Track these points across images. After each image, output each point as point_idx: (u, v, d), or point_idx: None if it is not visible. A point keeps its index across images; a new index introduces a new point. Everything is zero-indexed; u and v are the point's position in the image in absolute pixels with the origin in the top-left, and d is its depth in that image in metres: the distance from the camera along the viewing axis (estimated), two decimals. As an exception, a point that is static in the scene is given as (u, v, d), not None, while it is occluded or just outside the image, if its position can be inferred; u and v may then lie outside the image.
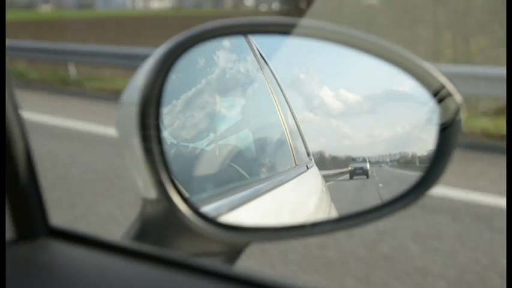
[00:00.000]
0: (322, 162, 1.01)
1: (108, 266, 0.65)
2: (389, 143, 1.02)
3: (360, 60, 0.93)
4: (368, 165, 0.98)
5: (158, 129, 0.74)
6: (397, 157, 1.01)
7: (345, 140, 0.98)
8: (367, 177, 0.98)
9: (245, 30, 0.90)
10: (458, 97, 0.87)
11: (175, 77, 0.79)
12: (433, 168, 0.90)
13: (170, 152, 0.77)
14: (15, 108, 0.71)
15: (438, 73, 0.88)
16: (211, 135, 0.89)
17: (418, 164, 0.95)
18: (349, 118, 0.98)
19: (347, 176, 0.99)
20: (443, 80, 0.88)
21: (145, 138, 0.72)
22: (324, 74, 1.00)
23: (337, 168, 1.01)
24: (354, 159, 0.99)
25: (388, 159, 1.00)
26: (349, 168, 0.98)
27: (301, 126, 1.05)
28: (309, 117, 0.99)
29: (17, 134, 0.70)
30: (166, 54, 0.76)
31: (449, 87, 0.87)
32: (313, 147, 1.05)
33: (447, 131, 0.89)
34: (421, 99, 0.93)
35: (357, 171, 0.98)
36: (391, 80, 0.96)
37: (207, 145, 0.89)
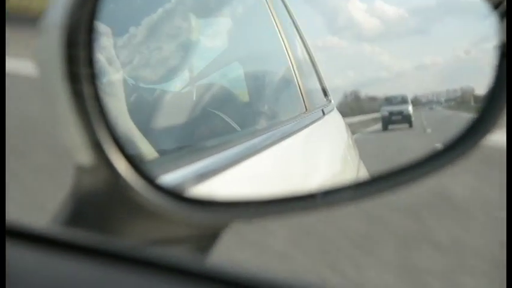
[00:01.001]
0: (350, 105, 0.99)
1: (31, 264, 0.62)
2: (446, 75, 1.00)
3: None
4: (410, 108, 0.96)
5: (92, 65, 0.68)
6: (458, 93, 0.99)
7: (383, 72, 0.96)
8: (410, 125, 0.97)
9: None
10: None
11: None
12: (489, 107, 0.85)
13: (129, 98, 0.76)
14: None
15: None
16: (187, 73, 0.88)
17: (472, 102, 0.92)
18: (389, 41, 0.97)
19: (379, 125, 0.98)
20: None
21: (74, 78, 0.68)
22: None
23: (371, 113, 1.00)
24: (388, 100, 0.97)
25: (443, 98, 0.99)
26: (383, 113, 0.96)
27: (321, 55, 1.03)
28: (331, 41, 0.96)
29: None
30: None
31: None
32: (336, 84, 1.02)
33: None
34: (482, 11, 0.89)
35: (394, 118, 0.96)
36: None
37: (182, 87, 0.87)
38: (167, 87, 0.86)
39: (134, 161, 0.70)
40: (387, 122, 0.96)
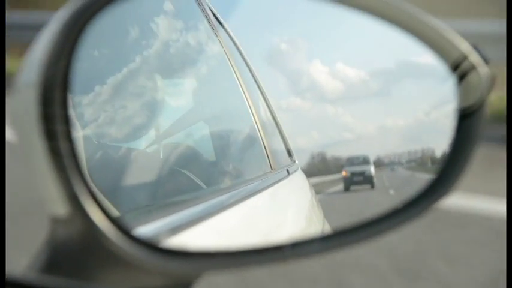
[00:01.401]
0: (317, 166, 1.01)
1: None
2: (407, 136, 1.03)
3: (362, 24, 0.92)
4: (372, 169, 0.99)
5: (67, 122, 0.73)
6: (419, 155, 1.02)
7: (346, 133, 0.99)
8: (372, 186, 0.99)
9: None
10: (485, 73, 0.88)
11: (97, 54, 0.81)
12: (447, 169, 0.91)
13: (93, 156, 0.79)
14: None
15: (460, 40, 0.89)
16: (153, 132, 0.90)
17: (430, 164, 0.96)
18: (351, 103, 1.01)
19: (342, 186, 1.00)
20: (467, 49, 0.89)
21: (49, 135, 0.72)
22: (314, 43, 1.02)
23: (333, 173, 1.02)
24: (350, 160, 1.00)
25: (404, 160, 1.01)
26: (344, 174, 0.99)
27: (285, 116, 1.06)
28: (295, 103, 0.99)
29: None
30: (76, 12, 0.76)
31: (475, 58, 0.88)
32: (301, 145, 1.05)
33: (468, 121, 0.90)
34: (442, 74, 0.94)
35: (356, 179, 0.98)
36: (407, 49, 0.96)
37: (147, 146, 0.91)
38: (133, 145, 0.89)
39: (109, 213, 0.74)
40: (349, 183, 0.98)
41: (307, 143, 1.01)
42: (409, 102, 1.04)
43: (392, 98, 1.03)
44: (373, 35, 0.97)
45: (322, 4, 0.89)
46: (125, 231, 0.75)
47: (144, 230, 0.79)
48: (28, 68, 0.77)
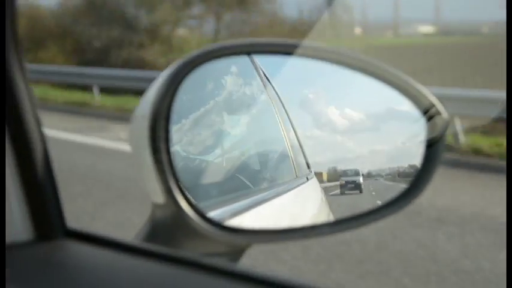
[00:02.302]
0: (328, 174, 1.02)
1: (120, 264, 0.67)
2: (390, 158, 1.05)
3: (363, 82, 0.96)
4: (361, 179, 0.97)
5: (167, 141, 0.77)
6: (394, 170, 1.02)
7: (349, 154, 1.01)
8: (360, 191, 0.97)
9: (246, 50, 0.94)
10: (445, 115, 0.91)
11: (185, 98, 0.83)
12: (417, 182, 0.93)
13: (179, 164, 0.80)
14: (35, 113, 0.72)
15: (429, 93, 0.92)
16: (218, 150, 0.92)
17: (403, 177, 0.96)
18: (353, 134, 1.01)
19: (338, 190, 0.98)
20: (433, 99, 0.91)
21: (155, 150, 0.76)
22: (330, 94, 1.04)
23: (336, 181, 1.01)
24: (345, 172, 0.98)
25: (383, 173, 1.02)
26: (340, 182, 0.97)
27: (310, 142, 1.07)
28: (316, 133, 1.02)
29: (36, 139, 0.72)
30: (175, 71, 0.80)
31: (438, 106, 0.91)
32: (319, 161, 1.07)
33: (433, 148, 0.92)
34: (416, 117, 0.95)
35: (349, 186, 0.97)
36: (392, 100, 0.99)
37: (215, 158, 0.92)
38: (206, 158, 0.90)
39: (191, 202, 0.77)
40: (344, 189, 0.97)
41: (323, 159, 1.03)
42: (392, 135, 1.06)
43: (381, 132, 1.05)
44: (371, 89, 0.98)
45: (338, 68, 0.92)
46: (202, 215, 0.78)
47: (214, 214, 0.81)
48: (142, 106, 0.81)
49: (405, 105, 0.96)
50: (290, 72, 1.01)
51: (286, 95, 1.12)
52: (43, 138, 0.73)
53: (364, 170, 1.02)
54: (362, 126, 1.02)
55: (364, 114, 1.03)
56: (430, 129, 0.93)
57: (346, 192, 0.97)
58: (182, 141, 0.84)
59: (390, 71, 0.94)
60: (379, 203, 0.94)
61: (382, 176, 1.01)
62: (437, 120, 0.91)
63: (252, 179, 0.98)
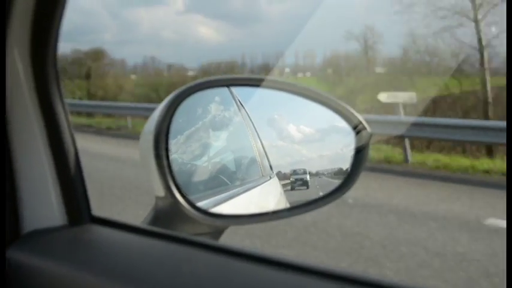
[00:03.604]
0: (283, 174, 1.02)
1: (131, 243, 0.68)
2: (331, 161, 1.05)
3: (312, 106, 0.97)
4: (308, 177, 0.96)
5: (167, 151, 0.78)
6: (334, 170, 1.03)
7: (303, 158, 1.02)
8: (307, 187, 0.95)
9: (227, 83, 0.96)
10: (368, 131, 0.93)
11: (180, 120, 0.83)
12: (348, 179, 0.95)
13: (176, 167, 0.81)
14: (65, 110, 0.72)
15: (357, 114, 0.94)
16: (205, 157, 0.93)
17: (339, 175, 0.98)
18: (306, 144, 1.02)
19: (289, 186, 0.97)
20: (360, 118, 0.94)
21: (158, 156, 0.77)
22: (290, 115, 1.04)
23: (289, 178, 1.01)
24: (295, 171, 0.96)
25: (326, 172, 1.02)
26: (290, 179, 0.95)
27: (273, 150, 1.07)
28: (279, 143, 1.03)
29: (67, 135, 0.72)
30: (173, 99, 0.82)
31: (364, 123, 0.94)
32: (281, 164, 1.06)
33: (359, 154, 0.94)
34: (349, 131, 0.98)
35: (298, 183, 0.95)
36: (332, 118, 1.00)
37: (202, 164, 0.93)
38: (196, 163, 0.90)
39: (185, 195, 0.78)
40: (294, 185, 0.94)
41: (283, 163, 1.03)
42: (333, 144, 1.07)
43: (325, 142, 1.06)
44: (318, 111, 0.99)
45: (295, 96, 0.95)
46: (192, 204, 0.78)
47: (201, 204, 0.81)
48: (149, 124, 0.81)
49: (342, 123, 0.98)
50: (260, 99, 1.02)
51: (257, 116, 1.12)
52: (72, 134, 0.73)
53: (313, 170, 1.02)
54: (312, 138, 1.03)
55: (314, 129, 1.04)
56: (358, 140, 0.95)
57: (296, 188, 0.95)
58: (178, 151, 0.85)
59: (330, 98, 0.95)
60: (321, 194, 0.95)
61: (325, 175, 1.01)
62: (363, 133, 0.94)
63: (229, 178, 0.98)
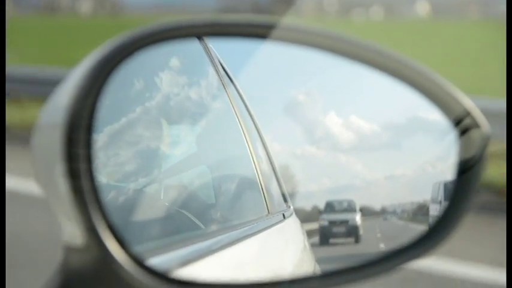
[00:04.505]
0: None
1: None
2: (413, 187, 1.20)
3: (373, 80, 1.10)
4: (358, 218, 1.07)
5: (90, 161, 0.90)
6: (416, 206, 1.18)
7: (356, 180, 1.15)
8: (357, 240, 1.07)
9: (200, 31, 1.08)
10: (486, 129, 1.06)
11: (111, 103, 0.95)
12: (443, 223, 1.07)
13: (107, 193, 0.95)
14: None
15: (463, 97, 1.07)
16: (150, 176, 1.08)
17: (423, 216, 1.12)
18: (363, 153, 1.16)
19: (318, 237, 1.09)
20: (469, 105, 1.06)
21: (72, 172, 0.89)
22: (329, 96, 1.19)
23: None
24: (330, 205, 1.07)
25: (399, 209, 1.16)
26: (320, 223, 1.07)
27: (299, 163, 1.18)
28: (310, 151, 1.13)
29: None
30: (99, 61, 0.94)
31: (476, 115, 1.06)
32: (311, 190, 1.19)
33: (466, 175, 1.07)
34: (447, 130, 1.13)
35: (336, 230, 1.05)
36: (418, 104, 1.13)
37: (147, 185, 1.08)
38: (135, 185, 1.05)
39: (124, 244, 0.90)
40: (327, 235, 1.04)
41: (318, 188, 1.14)
42: (417, 154, 1.22)
43: (402, 149, 1.19)
44: (386, 91, 1.13)
45: (339, 60, 1.06)
46: (138, 262, 0.91)
47: (156, 261, 0.94)
48: (51, 111, 0.94)
49: (434, 114, 1.11)
50: (269, 63, 1.15)
51: (260, 97, 1.26)
52: None
53: (371, 204, 1.15)
54: (376, 142, 1.16)
55: (378, 125, 1.18)
56: (466, 147, 1.09)
57: (331, 239, 1.06)
58: (109, 162, 1.00)
59: (410, 65, 1.09)
60: (384, 249, 1.09)
61: (396, 214, 1.13)
62: (475, 135, 1.07)
63: (203, 217, 1.12)
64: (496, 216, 6.99)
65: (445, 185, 1.13)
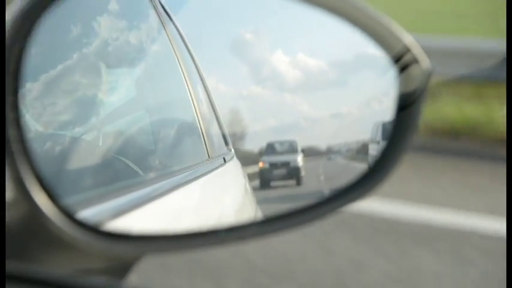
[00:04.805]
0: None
1: None
2: (356, 126, 1.18)
3: (322, 18, 1.04)
4: (300, 159, 1.04)
5: (16, 109, 0.87)
6: (360, 144, 1.15)
7: (302, 121, 1.10)
8: (298, 182, 1.04)
9: None
10: (426, 65, 1.04)
11: (33, 51, 0.91)
12: (382, 162, 1.04)
13: (35, 142, 0.91)
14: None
15: (403, 33, 1.05)
16: (91, 122, 1.05)
17: (363, 154, 1.10)
18: (309, 92, 1.14)
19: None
20: (409, 41, 1.05)
21: None
22: (276, 34, 1.14)
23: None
24: (271, 147, 1.04)
25: (343, 148, 1.13)
26: (260, 164, 1.03)
27: (245, 103, 1.14)
28: (255, 91, 1.10)
29: None
30: (29, 4, 0.89)
31: (416, 51, 1.04)
32: (256, 131, 1.14)
33: (405, 112, 1.05)
34: (388, 66, 1.09)
35: (277, 172, 1.02)
36: (363, 41, 1.09)
37: (85, 133, 1.05)
38: (74, 133, 1.02)
39: (53, 197, 0.87)
40: (268, 178, 1.00)
41: (262, 129, 1.10)
42: (363, 91, 1.20)
43: (348, 87, 1.17)
44: (332, 29, 1.08)
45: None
46: (68, 215, 0.88)
47: (86, 214, 0.91)
48: None
49: (376, 50, 1.08)
50: (212, 3, 1.13)
51: (202, 35, 1.21)
52: None
53: (316, 143, 1.12)
54: (322, 80, 1.13)
55: (325, 62, 1.15)
56: (405, 82, 1.07)
57: (272, 182, 1.03)
58: (37, 110, 0.96)
59: (350, 2, 1.06)
60: (327, 192, 1.07)
61: (340, 153, 1.11)
62: (415, 70, 1.05)
63: (142, 164, 1.09)
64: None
65: (384, 125, 1.11)
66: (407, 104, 1.06)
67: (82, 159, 1.04)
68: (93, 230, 0.91)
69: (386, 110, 1.13)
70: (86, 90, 1.05)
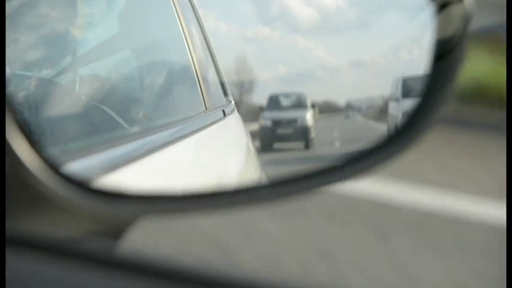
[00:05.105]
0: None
1: None
2: (387, 77, 1.24)
3: None
4: (309, 116, 1.09)
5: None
6: (384, 101, 1.22)
7: (317, 70, 1.21)
8: (307, 146, 1.07)
9: None
10: (469, 4, 1.09)
11: None
12: (412, 122, 1.12)
13: (12, 85, 0.95)
14: None
15: None
16: (65, 61, 1.11)
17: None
18: (325, 35, 1.22)
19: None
20: None
21: None
22: None
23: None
24: (274, 100, 1.08)
25: (364, 105, 1.21)
26: (263, 122, 1.06)
27: (250, 47, 1.24)
28: (262, 32, 1.19)
29: None
30: None
31: None
32: (264, 79, 1.25)
33: (443, 63, 1.12)
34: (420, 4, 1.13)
35: (281, 132, 1.05)
36: None
37: (57, 75, 1.12)
38: (56, 75, 1.10)
39: (36, 147, 0.92)
40: (270, 138, 1.01)
41: (272, 77, 1.21)
42: (391, 36, 1.25)
43: (373, 31, 1.24)
44: None
45: None
46: (53, 168, 0.94)
47: (74, 168, 0.97)
48: None
49: None
50: None
51: None
52: None
53: (338, 98, 1.20)
54: (341, 21, 1.21)
55: (345, 0, 1.22)
56: (442, 26, 1.14)
57: (274, 145, 1.06)
58: (15, 47, 1.01)
59: None
60: (342, 156, 1.11)
61: (361, 110, 1.19)
62: (455, 10, 1.12)
63: (127, 114, 1.16)
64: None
65: (404, 80, 1.18)
66: (445, 53, 1.13)
67: (56, 105, 1.09)
68: (81, 185, 0.97)
69: (417, 60, 1.24)
70: (55, 25, 1.09)
